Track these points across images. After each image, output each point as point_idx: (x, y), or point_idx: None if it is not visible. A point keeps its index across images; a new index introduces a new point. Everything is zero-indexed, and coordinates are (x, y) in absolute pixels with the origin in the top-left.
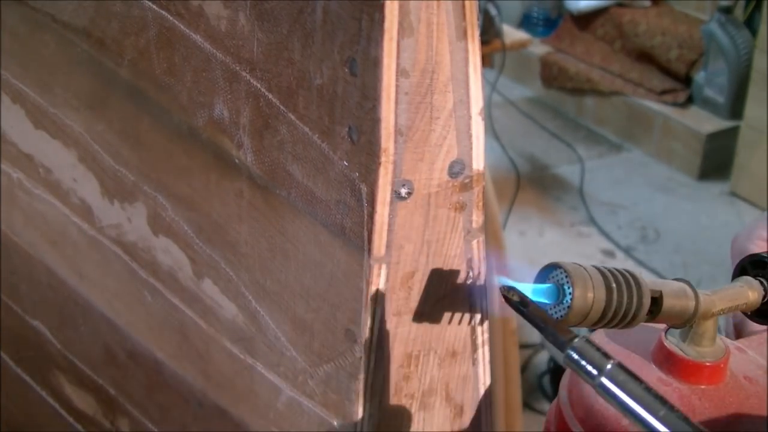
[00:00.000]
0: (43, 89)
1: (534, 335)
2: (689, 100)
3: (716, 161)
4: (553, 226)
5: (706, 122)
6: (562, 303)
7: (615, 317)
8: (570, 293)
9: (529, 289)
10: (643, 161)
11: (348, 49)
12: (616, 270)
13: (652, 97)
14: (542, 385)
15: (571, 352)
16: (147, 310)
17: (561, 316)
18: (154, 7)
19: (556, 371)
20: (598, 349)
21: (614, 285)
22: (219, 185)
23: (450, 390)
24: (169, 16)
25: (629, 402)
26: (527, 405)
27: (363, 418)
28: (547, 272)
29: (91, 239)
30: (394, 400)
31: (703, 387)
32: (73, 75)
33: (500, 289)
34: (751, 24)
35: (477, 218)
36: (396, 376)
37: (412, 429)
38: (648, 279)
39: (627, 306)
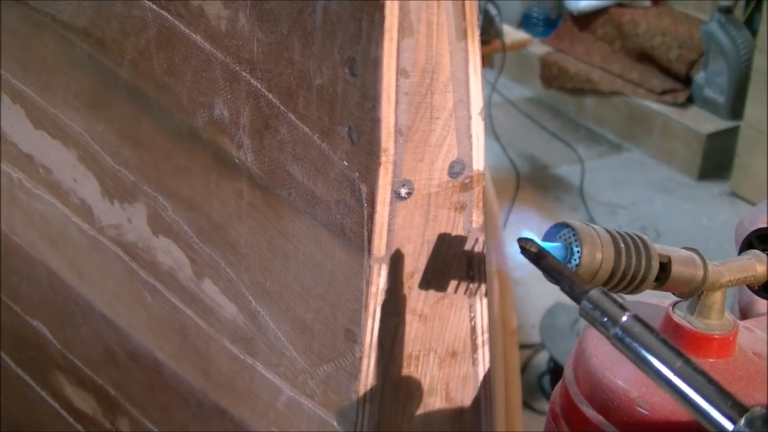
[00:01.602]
0: (43, 89)
1: (534, 335)
2: (689, 100)
3: (716, 161)
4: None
5: (706, 122)
6: (570, 262)
7: (623, 279)
8: (578, 252)
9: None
10: (643, 161)
11: (348, 49)
12: (626, 233)
13: (652, 97)
14: (542, 385)
15: (587, 303)
16: (147, 310)
17: None
18: (154, 7)
19: (556, 371)
20: (615, 300)
21: (623, 246)
22: (219, 185)
23: (450, 390)
24: (169, 16)
25: (645, 353)
26: (527, 405)
27: (363, 418)
28: (556, 231)
29: (91, 239)
30: (394, 400)
31: (712, 360)
32: (73, 75)
33: (518, 240)
34: (751, 24)
35: (477, 218)
36: (396, 376)
37: (412, 429)
38: (657, 245)
39: (636, 268)
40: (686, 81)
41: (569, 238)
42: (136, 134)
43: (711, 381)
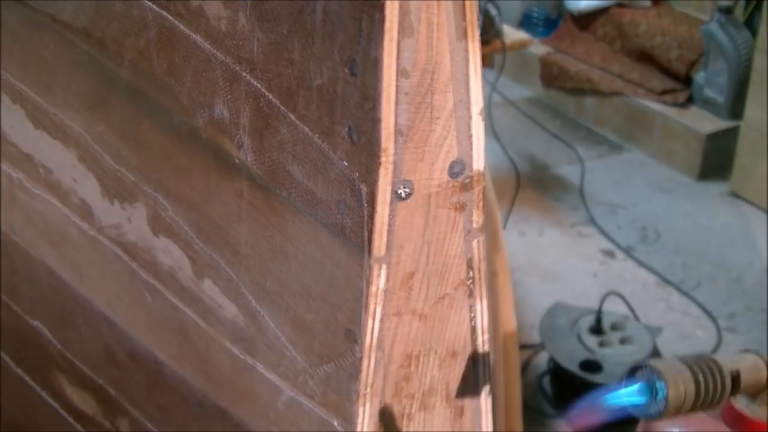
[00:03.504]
0: (43, 89)
1: (534, 335)
2: (689, 101)
3: (716, 161)
4: (553, 226)
5: (706, 122)
6: (656, 398)
7: (704, 403)
8: (663, 388)
9: (622, 392)
10: (643, 161)
11: (348, 49)
12: (698, 358)
13: (652, 98)
14: (542, 385)
15: None
16: (147, 310)
17: (658, 411)
18: (155, 7)
19: (556, 372)
20: None
21: (700, 375)
22: (219, 185)
23: (450, 390)
24: (169, 16)
25: None
26: (527, 405)
27: (363, 418)
28: (636, 374)
29: (92, 239)
30: (394, 400)
31: None
32: (74, 75)
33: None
34: (751, 24)
35: (477, 218)
36: (396, 376)
37: (412, 429)
38: (721, 357)
39: (714, 390)
40: (686, 81)
41: (651, 377)
42: (136, 134)
43: None
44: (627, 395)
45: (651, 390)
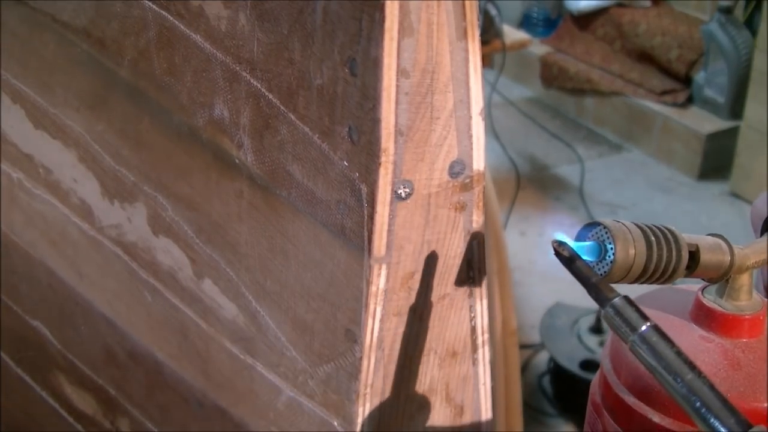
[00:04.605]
0: (43, 89)
1: (534, 335)
2: (689, 100)
3: (716, 161)
4: (554, 226)
5: (706, 122)
6: (605, 259)
7: (656, 272)
8: (612, 249)
9: (572, 245)
10: (643, 161)
11: (348, 49)
12: (655, 226)
13: (652, 98)
14: (542, 385)
15: (610, 310)
16: (147, 310)
17: (604, 273)
18: (154, 7)
19: (556, 371)
20: (637, 309)
21: (654, 239)
22: (219, 185)
23: (450, 390)
24: (169, 16)
25: (658, 363)
26: (527, 405)
27: (363, 418)
28: (588, 230)
29: (92, 239)
30: (394, 400)
31: (744, 340)
32: (74, 75)
33: (552, 243)
34: (751, 24)
35: (477, 218)
36: (396, 376)
37: (412, 429)
38: (685, 234)
39: (667, 260)
40: (686, 81)
41: (602, 236)
42: (136, 134)
43: (718, 396)
44: (578, 250)
45: (600, 250)
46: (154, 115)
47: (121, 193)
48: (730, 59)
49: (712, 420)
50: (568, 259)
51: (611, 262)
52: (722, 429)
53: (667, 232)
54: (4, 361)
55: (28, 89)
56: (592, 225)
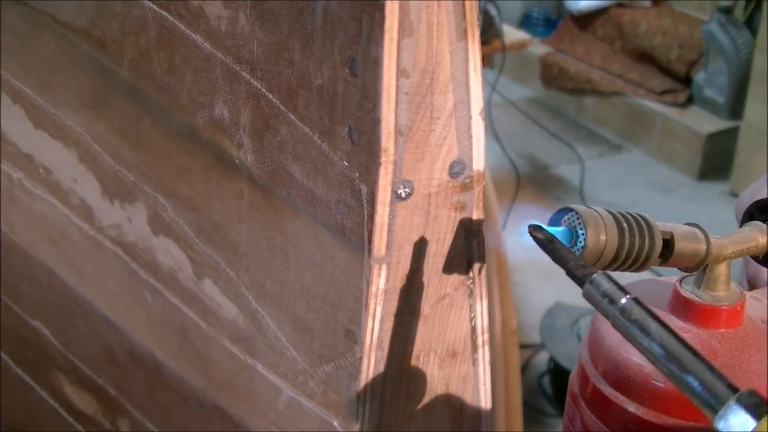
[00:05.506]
0: (43, 89)
1: (534, 335)
2: (689, 101)
3: (716, 161)
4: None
5: (706, 122)
6: (576, 245)
7: (628, 259)
8: (583, 235)
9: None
10: (643, 161)
11: (348, 49)
12: (628, 213)
13: (652, 98)
14: (542, 385)
15: (590, 286)
16: (147, 310)
17: None
18: (155, 7)
19: (556, 371)
20: (616, 284)
21: (626, 226)
22: (219, 185)
23: (450, 390)
24: (169, 16)
25: (642, 335)
26: (527, 405)
27: (363, 418)
28: (560, 216)
29: (92, 239)
30: (394, 400)
31: (722, 331)
32: (74, 75)
33: (528, 228)
34: (751, 24)
35: (477, 218)
36: (396, 376)
37: (412, 429)
38: (659, 222)
39: (639, 247)
40: (686, 81)
41: (573, 221)
42: (136, 134)
43: (704, 362)
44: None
45: (572, 235)
46: (154, 115)
47: (121, 193)
48: (730, 59)
49: (698, 386)
50: (545, 242)
51: (582, 247)
52: (709, 394)
53: (640, 219)
54: (4, 361)
55: (28, 89)
56: (564, 210)
